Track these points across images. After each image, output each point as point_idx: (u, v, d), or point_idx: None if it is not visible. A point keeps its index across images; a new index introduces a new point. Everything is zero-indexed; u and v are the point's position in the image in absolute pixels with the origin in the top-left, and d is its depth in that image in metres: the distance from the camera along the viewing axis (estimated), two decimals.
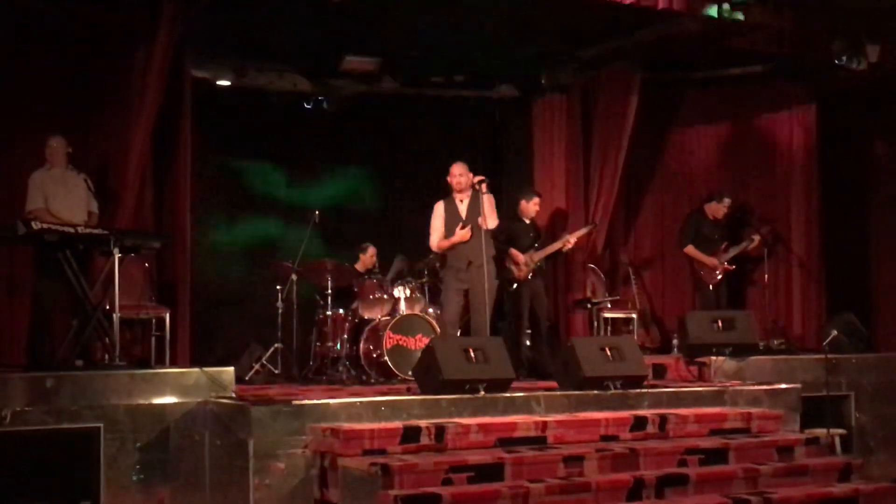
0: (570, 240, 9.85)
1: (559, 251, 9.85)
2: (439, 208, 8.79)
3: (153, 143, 8.61)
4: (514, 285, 9.50)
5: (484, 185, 8.42)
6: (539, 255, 9.55)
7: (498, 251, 9.59)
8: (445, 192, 8.83)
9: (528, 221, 9.75)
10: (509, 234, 9.56)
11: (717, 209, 10.58)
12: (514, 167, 11.85)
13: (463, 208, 8.66)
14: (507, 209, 9.81)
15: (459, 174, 8.66)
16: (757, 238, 10.55)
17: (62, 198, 7.85)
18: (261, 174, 11.25)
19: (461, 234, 8.58)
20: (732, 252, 10.45)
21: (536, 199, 9.81)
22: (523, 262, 9.45)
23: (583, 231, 10.22)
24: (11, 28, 8.33)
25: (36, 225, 7.10)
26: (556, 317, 10.62)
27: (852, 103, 11.24)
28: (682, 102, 11.56)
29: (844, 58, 9.66)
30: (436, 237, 8.77)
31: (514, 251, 9.49)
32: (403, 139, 11.73)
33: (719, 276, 10.41)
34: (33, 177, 7.88)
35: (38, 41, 8.46)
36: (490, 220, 8.47)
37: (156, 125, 8.52)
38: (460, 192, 8.68)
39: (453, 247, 8.64)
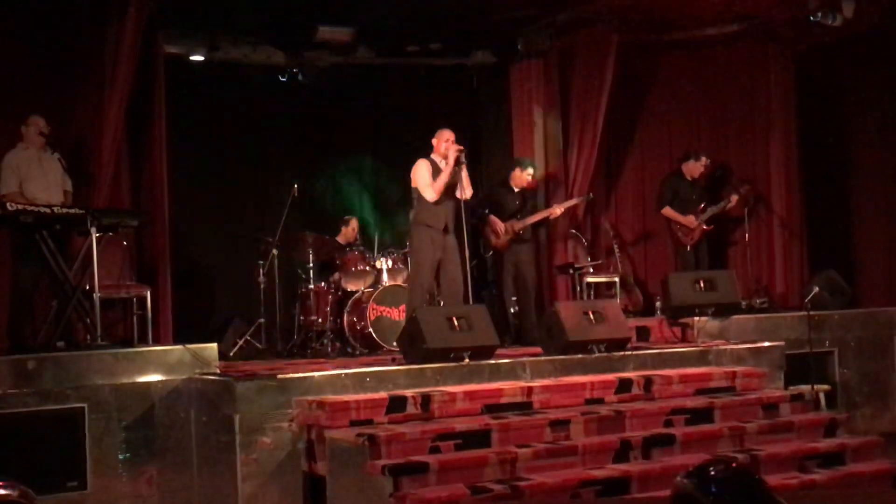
0: (556, 210, 9.79)
1: (545, 220, 9.80)
2: (425, 164, 8.34)
3: (127, 120, 8.53)
4: (491, 253, 9.48)
5: (462, 155, 8.31)
6: (521, 225, 9.49)
7: (480, 219, 9.56)
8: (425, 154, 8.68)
9: (516, 190, 9.69)
10: (494, 201, 9.53)
11: (695, 168, 10.56)
12: (493, 134, 11.81)
13: (445, 174, 8.50)
14: (497, 176, 9.75)
15: (452, 140, 8.31)
16: (735, 198, 10.54)
17: (38, 179, 7.76)
18: (237, 149, 11.16)
19: (454, 151, 8.11)
20: (710, 212, 10.44)
21: (531, 171, 9.72)
22: (502, 230, 9.41)
23: (574, 201, 10.20)
24: None
25: (11, 206, 7.04)
26: (539, 283, 10.61)
27: (829, 60, 11.23)
28: (659, 64, 11.51)
29: (820, 14, 9.64)
30: (430, 188, 8.23)
31: (493, 218, 9.44)
32: (380, 109, 11.67)
33: (697, 237, 10.42)
34: (7, 158, 7.76)
35: (6, 19, 8.34)
36: (467, 190, 8.36)
37: (129, 103, 8.45)
38: (443, 157, 8.47)
39: (433, 209, 8.35)
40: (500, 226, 9.42)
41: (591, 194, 10.46)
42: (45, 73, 8.46)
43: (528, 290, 9.51)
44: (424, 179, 8.34)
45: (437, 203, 8.20)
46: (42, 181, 7.76)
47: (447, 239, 8.24)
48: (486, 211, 9.54)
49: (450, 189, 8.34)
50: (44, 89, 8.45)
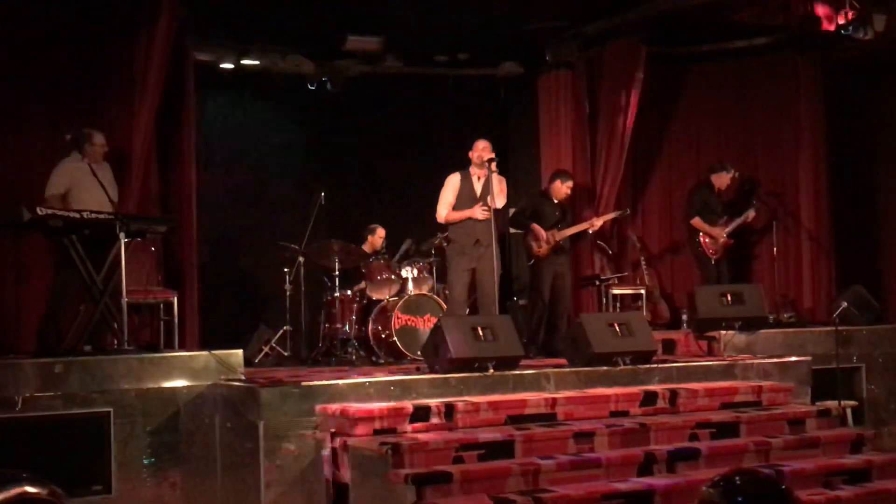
0: (597, 223, 9.87)
1: (584, 232, 9.84)
2: (454, 180, 8.66)
3: (157, 127, 8.59)
4: (532, 262, 9.48)
5: (493, 165, 8.36)
6: (562, 235, 9.53)
7: (521, 226, 9.59)
8: (457, 169, 8.76)
9: (556, 201, 9.71)
10: (535, 210, 9.54)
11: (723, 180, 10.50)
12: (521, 144, 11.82)
13: (479, 186, 8.60)
14: (525, 186, 9.77)
15: (488, 148, 8.52)
16: (751, 213, 10.46)
17: (90, 190, 7.64)
18: (265, 156, 11.22)
19: (481, 212, 8.45)
20: (732, 226, 10.39)
21: (571, 183, 9.77)
22: (545, 238, 9.41)
23: (612, 215, 10.19)
24: (14, 15, 8.29)
25: (41, 210, 7.06)
26: None
27: (859, 73, 11.17)
28: (688, 76, 11.49)
29: (850, 28, 9.58)
30: (444, 209, 8.66)
31: (536, 227, 9.46)
32: (408, 119, 11.70)
33: (721, 250, 10.36)
34: (61, 165, 7.73)
35: (39, 27, 8.41)
36: (499, 200, 8.44)
37: (159, 109, 8.51)
38: (479, 168, 8.58)
39: (462, 223, 8.56)
40: (542, 234, 9.43)
41: (627, 209, 10.48)
42: (75, 79, 8.52)
43: (564, 301, 9.53)
44: (443, 198, 8.65)
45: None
46: (94, 192, 7.63)
47: (480, 251, 8.33)
48: (529, 220, 9.55)
49: (481, 200, 8.41)
50: (74, 96, 8.51)
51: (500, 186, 8.49)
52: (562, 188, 9.70)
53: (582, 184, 10.71)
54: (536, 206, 9.63)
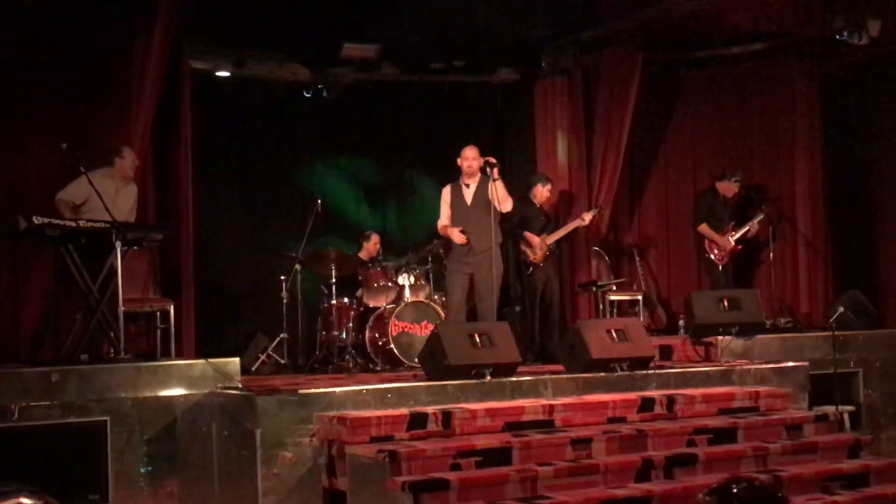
0: (586, 217, 9.87)
1: (574, 231, 9.85)
2: (446, 193, 8.74)
3: (153, 135, 8.60)
4: (530, 269, 9.48)
5: (496, 170, 8.33)
6: (552, 238, 9.56)
7: (511, 235, 9.59)
8: (453, 177, 8.78)
9: (538, 206, 9.73)
10: (521, 217, 9.54)
11: (729, 188, 10.53)
12: (517, 151, 11.82)
13: (469, 193, 8.60)
14: (517, 193, 9.81)
15: (472, 158, 8.55)
16: (759, 218, 10.50)
17: (111, 203, 7.64)
18: (262, 164, 11.22)
19: (458, 237, 8.54)
20: (739, 233, 10.41)
21: (550, 186, 9.83)
22: (538, 244, 9.43)
23: (592, 213, 10.20)
24: (9, 23, 8.29)
25: (37, 219, 7.05)
26: (562, 300, 10.60)
27: (855, 79, 11.18)
28: (683, 82, 11.51)
29: (846, 33, 9.60)
30: (441, 222, 8.74)
31: (529, 234, 9.48)
32: (404, 126, 11.71)
33: (728, 257, 10.38)
34: (91, 174, 7.65)
35: (35, 36, 8.41)
36: (506, 204, 8.39)
37: (155, 118, 8.52)
38: (469, 176, 8.61)
39: (461, 224, 8.59)
40: (536, 240, 9.44)
41: (601, 207, 10.45)
42: (72, 87, 8.52)
43: (553, 306, 9.54)
44: (441, 210, 8.72)
45: (460, 224, 8.49)
46: (114, 207, 7.70)
47: (474, 257, 8.33)
48: (516, 227, 9.54)
49: (476, 209, 8.40)
50: (71, 104, 8.52)
51: (503, 189, 8.41)
52: (543, 192, 9.74)
53: (578, 191, 10.72)
54: (521, 212, 9.60)
